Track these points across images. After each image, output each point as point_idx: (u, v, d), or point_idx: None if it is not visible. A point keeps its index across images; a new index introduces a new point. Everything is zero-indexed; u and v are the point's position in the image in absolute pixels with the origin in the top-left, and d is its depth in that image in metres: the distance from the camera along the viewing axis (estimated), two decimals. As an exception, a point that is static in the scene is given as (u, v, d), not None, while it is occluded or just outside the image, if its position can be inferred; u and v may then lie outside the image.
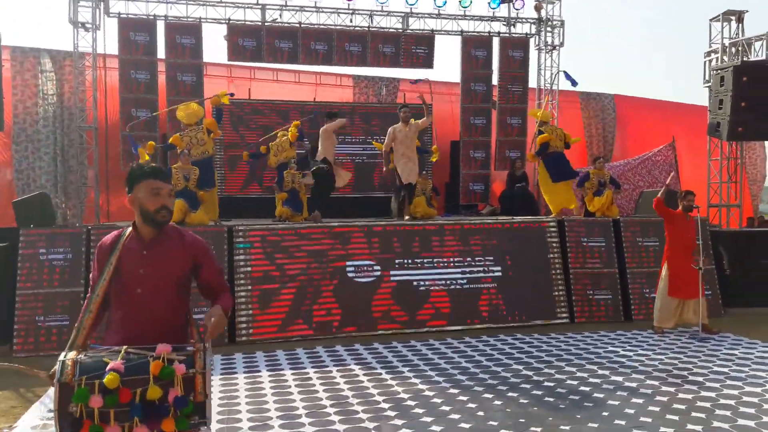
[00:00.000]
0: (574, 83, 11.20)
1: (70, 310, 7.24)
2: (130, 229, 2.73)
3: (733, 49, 11.65)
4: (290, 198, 9.95)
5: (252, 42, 12.50)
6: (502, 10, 13.48)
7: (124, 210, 11.94)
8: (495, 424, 4.57)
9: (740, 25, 11.78)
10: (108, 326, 2.71)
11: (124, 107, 11.94)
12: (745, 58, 11.23)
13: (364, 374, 5.97)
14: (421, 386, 5.53)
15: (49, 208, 8.58)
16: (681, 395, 5.18)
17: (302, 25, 12.69)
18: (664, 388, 5.37)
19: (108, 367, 2.31)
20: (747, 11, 11.73)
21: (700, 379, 5.65)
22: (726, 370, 5.95)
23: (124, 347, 2.44)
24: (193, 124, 9.08)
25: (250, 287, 7.67)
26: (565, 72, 11.52)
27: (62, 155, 12.48)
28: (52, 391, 2.36)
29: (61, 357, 2.39)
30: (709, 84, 11.55)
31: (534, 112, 11.01)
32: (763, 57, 11.04)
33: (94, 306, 2.61)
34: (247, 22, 12.50)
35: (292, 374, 6.03)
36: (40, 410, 5.05)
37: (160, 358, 2.38)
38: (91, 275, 2.75)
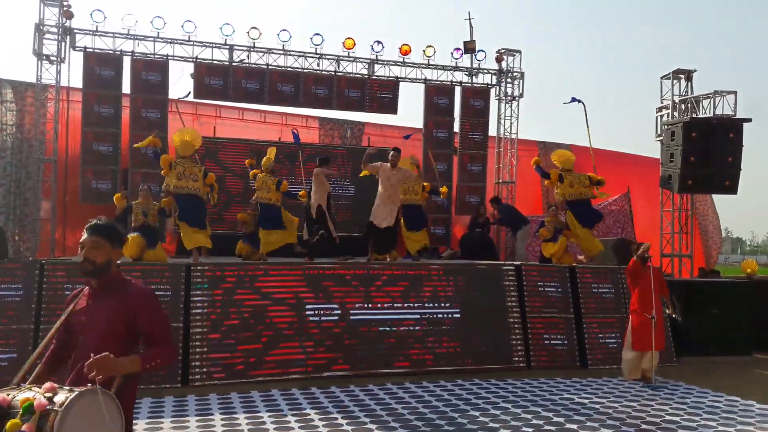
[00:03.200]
0: (577, 100, 10.79)
1: (18, 346, 6.99)
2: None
3: (683, 106, 12.21)
4: (251, 235, 9.96)
5: (219, 81, 12.56)
6: (465, 60, 13.92)
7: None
8: (450, 471, 4.55)
9: (689, 83, 12.40)
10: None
11: (86, 141, 11.80)
12: (694, 115, 11.78)
13: (320, 419, 5.89)
14: (377, 432, 5.49)
15: (3, 241, 8.36)
16: (633, 443, 5.26)
17: (269, 67, 12.83)
18: (616, 436, 5.45)
19: None
20: (695, 70, 12.38)
21: (653, 428, 5.74)
22: (678, 419, 6.07)
23: (28, 384, 2.62)
24: (188, 156, 8.83)
25: (206, 328, 7.54)
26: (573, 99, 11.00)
27: (18, 187, 12.19)
28: None
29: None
30: (661, 138, 12.04)
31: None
32: (711, 114, 11.60)
33: (41, 347, 2.82)
34: (214, 62, 12.59)
35: (246, 418, 5.91)
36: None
37: (33, 394, 2.43)
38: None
